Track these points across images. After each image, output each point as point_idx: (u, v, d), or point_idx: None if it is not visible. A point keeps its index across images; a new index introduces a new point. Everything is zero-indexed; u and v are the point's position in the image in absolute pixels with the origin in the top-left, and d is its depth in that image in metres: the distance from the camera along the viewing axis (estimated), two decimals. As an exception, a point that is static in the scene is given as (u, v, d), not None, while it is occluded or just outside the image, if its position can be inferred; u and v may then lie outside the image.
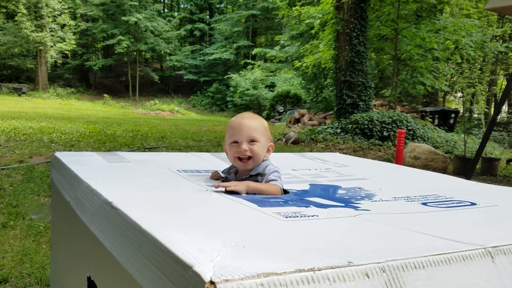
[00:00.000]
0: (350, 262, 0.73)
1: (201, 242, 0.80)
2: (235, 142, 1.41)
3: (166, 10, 35.37)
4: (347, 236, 0.94)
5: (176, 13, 34.08)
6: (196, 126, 13.37)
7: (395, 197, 1.41)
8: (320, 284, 0.69)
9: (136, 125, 11.51)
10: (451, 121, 13.21)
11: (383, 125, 9.09)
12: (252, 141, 1.41)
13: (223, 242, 0.81)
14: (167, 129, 11.01)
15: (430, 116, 11.74)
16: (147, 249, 0.81)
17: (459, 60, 8.83)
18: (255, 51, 24.06)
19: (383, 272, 0.75)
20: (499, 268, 0.89)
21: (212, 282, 0.61)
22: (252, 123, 1.42)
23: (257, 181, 1.43)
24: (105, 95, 25.99)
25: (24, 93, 23.10)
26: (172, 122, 15.22)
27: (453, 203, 1.35)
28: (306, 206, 1.20)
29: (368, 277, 0.73)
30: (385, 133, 8.99)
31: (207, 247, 0.76)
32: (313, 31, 13.20)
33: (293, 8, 13.76)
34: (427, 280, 0.79)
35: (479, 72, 8.34)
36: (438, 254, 0.82)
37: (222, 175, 1.52)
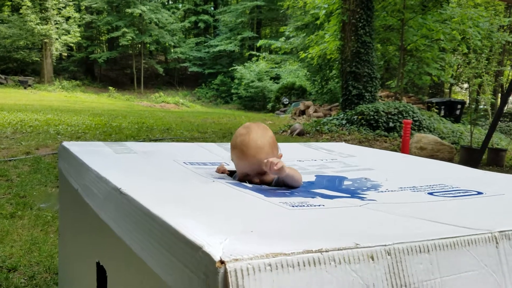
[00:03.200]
0: (357, 244, 0.74)
1: (210, 227, 0.81)
2: (246, 174, 1.37)
3: (170, 2, 35.24)
4: (353, 223, 0.95)
5: (180, 5, 33.95)
6: (201, 118, 13.39)
7: (401, 188, 1.41)
8: (325, 265, 0.70)
9: (142, 117, 11.54)
10: (457, 112, 13.14)
11: (389, 116, 9.06)
12: (262, 174, 1.38)
13: (231, 227, 0.82)
14: (172, 121, 11.04)
15: (436, 107, 11.69)
16: (157, 233, 0.82)
17: (466, 51, 8.76)
18: (260, 42, 23.96)
19: (388, 255, 0.76)
20: (500, 254, 0.90)
21: (222, 261, 0.63)
22: (260, 155, 1.32)
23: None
24: (110, 87, 26.03)
25: (29, 86, 23.18)
26: (177, 114, 15.24)
27: (459, 193, 1.36)
28: (312, 197, 1.21)
29: (373, 260, 0.74)
30: (391, 124, 8.96)
31: (215, 231, 0.77)
32: (318, 22, 13.12)
33: (298, -1, 13.68)
34: (429, 264, 0.80)
35: (486, 62, 8.28)
36: (443, 238, 0.83)
37: (228, 169, 1.53)
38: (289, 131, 9.54)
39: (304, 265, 0.69)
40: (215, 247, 0.67)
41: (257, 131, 1.37)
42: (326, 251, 0.71)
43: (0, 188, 3.72)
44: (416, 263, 0.78)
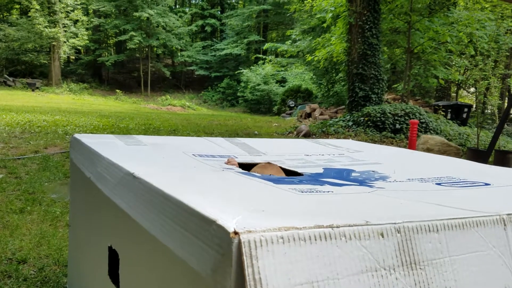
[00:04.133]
0: (367, 221, 0.76)
1: (222, 206, 0.83)
2: None
3: (177, 6, 35.46)
4: (363, 205, 0.96)
5: (187, 9, 34.16)
6: (207, 120, 13.43)
7: (409, 179, 1.42)
8: (336, 240, 0.72)
9: (148, 119, 11.60)
10: (464, 115, 13.09)
11: (396, 117, 9.05)
12: None
13: (243, 207, 0.84)
14: (179, 123, 11.09)
15: (443, 110, 11.65)
16: (170, 211, 0.84)
17: (473, 53, 8.74)
18: (266, 46, 24.00)
19: (398, 232, 0.77)
20: (509, 235, 0.91)
21: (236, 232, 0.64)
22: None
23: None
24: (117, 90, 26.18)
25: (37, 88, 23.37)
26: (183, 116, 15.30)
27: (467, 184, 1.37)
28: (321, 185, 1.22)
29: (383, 237, 0.76)
30: (397, 126, 8.94)
31: (228, 210, 0.79)
32: (325, 25, 13.14)
33: (305, 2, 13.70)
34: (437, 243, 0.81)
35: (493, 64, 8.26)
36: (452, 219, 0.84)
37: (238, 161, 1.55)
38: (295, 132, 9.55)
39: (316, 240, 0.70)
40: (229, 221, 0.69)
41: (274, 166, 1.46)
42: (337, 227, 0.72)
43: (9, 185, 3.76)
44: (425, 242, 0.79)
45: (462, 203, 1.02)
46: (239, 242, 0.64)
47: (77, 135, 1.75)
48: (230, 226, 0.66)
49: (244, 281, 0.62)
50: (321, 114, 14.79)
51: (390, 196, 1.10)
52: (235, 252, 0.64)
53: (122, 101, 23.83)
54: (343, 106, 13.57)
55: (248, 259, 0.63)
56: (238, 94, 26.72)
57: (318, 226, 0.71)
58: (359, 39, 10.21)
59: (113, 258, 1.18)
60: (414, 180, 1.40)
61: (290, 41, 20.71)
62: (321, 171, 1.57)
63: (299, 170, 1.52)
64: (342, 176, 1.49)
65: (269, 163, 1.52)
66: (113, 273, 1.19)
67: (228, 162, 1.54)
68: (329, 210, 0.87)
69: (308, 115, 15.33)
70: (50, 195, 3.30)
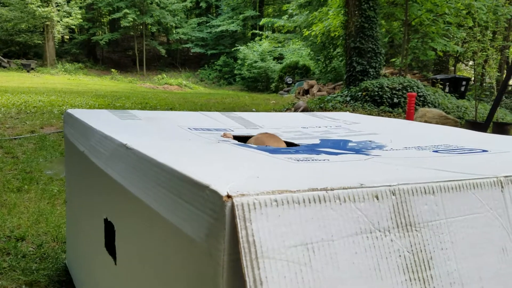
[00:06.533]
0: (362, 184, 0.75)
1: (216, 172, 0.82)
2: None
3: (171, -18, 34.79)
4: (358, 171, 0.95)
5: (181, -15, 33.55)
6: (205, 98, 13.35)
7: (406, 147, 1.42)
8: (331, 203, 0.71)
9: (145, 98, 11.53)
10: (462, 88, 13.03)
11: (394, 91, 9.01)
12: None
13: (237, 174, 0.83)
14: (175, 101, 11.02)
15: (441, 83, 11.59)
16: (164, 179, 0.83)
17: (471, 24, 8.64)
18: (263, 21, 23.66)
19: (393, 195, 0.77)
20: (506, 198, 0.91)
21: (229, 196, 0.63)
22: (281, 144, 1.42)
23: None
24: (112, 70, 25.93)
25: (32, 69, 23.13)
26: (180, 95, 15.21)
27: (464, 151, 1.36)
28: (317, 154, 1.21)
29: (378, 199, 0.75)
30: (395, 100, 8.91)
31: (222, 176, 0.78)
32: (321, -1, 12.96)
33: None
34: (433, 205, 0.81)
35: (491, 36, 8.17)
36: (449, 181, 0.83)
37: (234, 134, 1.54)
38: (293, 109, 9.52)
39: (310, 202, 0.69)
40: (222, 186, 0.68)
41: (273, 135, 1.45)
42: (332, 189, 0.72)
43: (6, 165, 3.75)
44: (421, 204, 0.79)
45: (459, 167, 1.01)
46: (232, 205, 0.63)
47: (70, 110, 1.73)
48: (223, 190, 0.65)
49: (238, 244, 0.61)
50: (319, 90, 14.71)
51: (386, 162, 1.09)
52: (228, 215, 0.63)
53: (117, 81, 23.64)
54: (341, 82, 13.50)
55: (241, 221, 0.62)
56: (235, 72, 26.50)
57: (312, 189, 0.70)
58: (356, 12, 10.06)
59: (109, 230, 1.17)
60: (410, 148, 1.39)
61: (286, 15, 20.42)
62: (318, 142, 1.56)
63: (295, 142, 1.51)
64: (339, 146, 1.48)
65: (268, 133, 1.50)
66: (110, 245, 1.19)
67: (224, 135, 1.53)
68: (324, 175, 0.86)
69: (306, 92, 15.25)
70: (45, 172, 3.29)
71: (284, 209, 0.67)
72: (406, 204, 0.78)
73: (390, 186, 0.77)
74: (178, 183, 0.78)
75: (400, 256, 0.73)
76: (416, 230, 0.77)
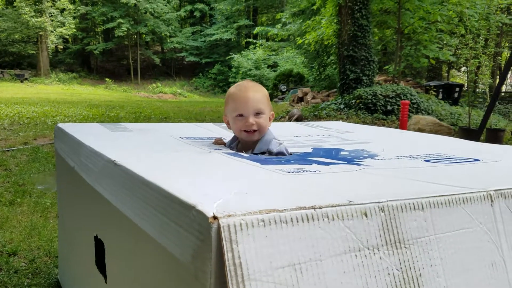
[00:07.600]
0: (350, 201, 0.74)
1: (204, 189, 0.81)
2: (241, 115, 1.40)
3: (165, -9, 34.87)
4: (348, 184, 0.94)
5: (175, -6, 33.63)
6: (199, 107, 13.35)
7: (397, 156, 1.41)
8: (319, 221, 0.70)
9: (139, 108, 11.51)
10: (456, 95, 13.11)
11: (387, 99, 9.04)
12: (258, 113, 1.41)
13: (225, 190, 0.82)
14: (170, 110, 11.01)
15: (434, 90, 11.65)
16: (151, 198, 0.82)
17: (463, 32, 8.70)
18: (257, 30, 23.72)
19: (382, 211, 0.76)
20: (495, 212, 0.90)
21: (215, 217, 0.63)
22: (257, 95, 1.41)
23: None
24: (106, 79, 25.89)
25: (26, 79, 23.06)
26: (175, 104, 15.20)
27: (456, 160, 1.36)
28: (309, 164, 1.21)
29: (366, 216, 0.74)
30: (388, 107, 8.94)
31: (209, 193, 0.77)
32: (315, 7, 13.02)
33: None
34: (423, 221, 0.80)
35: (483, 43, 8.24)
36: (438, 196, 0.83)
37: (226, 142, 1.53)
38: (287, 117, 9.53)
39: (298, 221, 0.68)
40: (208, 206, 0.67)
41: (253, 84, 1.47)
42: (320, 208, 0.71)
43: (-1, 178, 3.72)
44: (410, 220, 0.78)
45: (450, 179, 1.01)
46: (218, 227, 0.62)
47: (60, 125, 1.72)
48: (209, 211, 0.64)
49: (224, 266, 0.61)
50: (313, 98, 14.73)
51: (377, 174, 1.08)
52: (214, 237, 0.62)
53: (112, 90, 23.60)
54: (335, 90, 13.54)
55: (227, 243, 0.62)
56: (230, 80, 26.50)
57: (300, 208, 0.69)
58: (349, 21, 10.12)
59: (100, 248, 1.16)
60: (402, 158, 1.38)
61: (280, 24, 20.50)
62: (310, 150, 1.56)
63: (288, 150, 1.51)
64: (331, 155, 1.48)
65: (248, 80, 1.55)
66: (100, 263, 1.17)
67: (215, 142, 1.52)
68: (313, 190, 0.85)
69: (300, 99, 15.27)
70: (37, 186, 3.27)
71: (271, 229, 0.66)
72: (395, 220, 0.77)
73: (379, 202, 0.76)
74: (166, 202, 0.77)
75: (389, 274, 0.73)
76: (405, 247, 0.76)
